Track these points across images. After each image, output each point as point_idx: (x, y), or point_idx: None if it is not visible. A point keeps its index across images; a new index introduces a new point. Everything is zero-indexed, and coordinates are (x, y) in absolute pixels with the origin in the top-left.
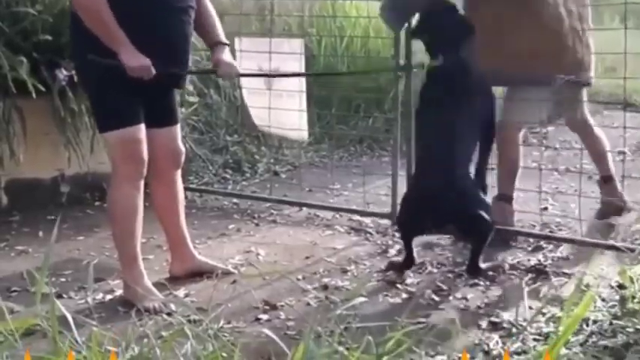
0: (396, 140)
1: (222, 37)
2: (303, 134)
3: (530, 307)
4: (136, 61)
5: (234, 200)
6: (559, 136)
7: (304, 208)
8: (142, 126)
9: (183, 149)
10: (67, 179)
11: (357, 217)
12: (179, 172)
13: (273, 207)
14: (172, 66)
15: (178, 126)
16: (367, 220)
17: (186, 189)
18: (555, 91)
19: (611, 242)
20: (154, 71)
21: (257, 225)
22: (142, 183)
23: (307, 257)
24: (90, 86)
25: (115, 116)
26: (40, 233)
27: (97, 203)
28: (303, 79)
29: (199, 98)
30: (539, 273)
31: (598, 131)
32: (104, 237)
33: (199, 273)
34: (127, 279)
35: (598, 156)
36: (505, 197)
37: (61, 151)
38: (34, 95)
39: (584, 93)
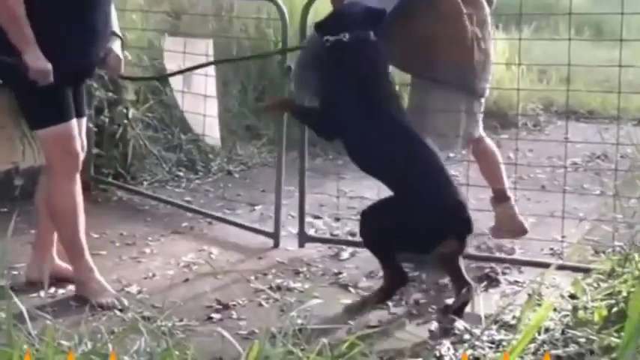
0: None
1: (116, 29)
2: (216, 141)
3: (486, 316)
4: (40, 63)
5: (187, 198)
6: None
7: (256, 208)
8: (75, 121)
9: (85, 143)
10: (21, 172)
11: (309, 219)
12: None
13: (226, 205)
14: (93, 53)
15: (84, 120)
16: (319, 222)
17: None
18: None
19: (562, 262)
20: (52, 78)
21: (210, 223)
22: (78, 176)
23: (260, 258)
24: (19, 81)
25: (51, 111)
26: None
27: None
28: (213, 84)
29: (154, 95)
30: (491, 280)
31: (492, 145)
32: None
33: (58, 277)
34: (79, 275)
35: (492, 172)
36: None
37: (16, 145)
38: None
39: (479, 105)
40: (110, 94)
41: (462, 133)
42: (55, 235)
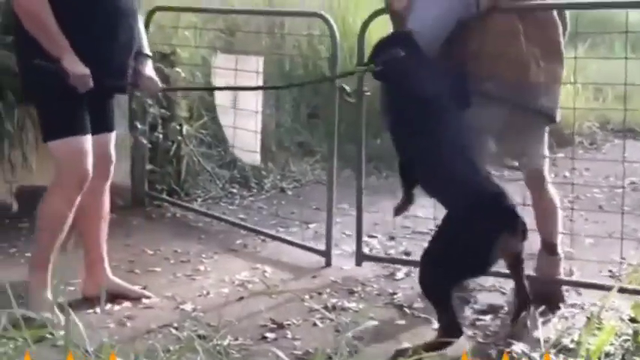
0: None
1: (146, 48)
2: (256, 157)
3: (546, 341)
4: (79, 69)
5: (241, 215)
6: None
7: (310, 226)
8: (89, 137)
9: (114, 158)
10: None
11: (365, 238)
12: (108, 185)
13: (279, 223)
14: (117, 70)
15: (114, 134)
16: (374, 241)
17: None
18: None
19: (621, 285)
20: (91, 83)
21: (263, 241)
22: (79, 198)
23: (314, 276)
24: (36, 92)
25: (62, 124)
26: None
27: None
28: (259, 100)
29: (208, 112)
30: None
31: (552, 190)
32: (112, 247)
33: (113, 295)
34: (31, 282)
35: (547, 221)
36: (548, 248)
37: None
38: None
39: (545, 133)
40: (164, 110)
41: (519, 152)
42: (105, 250)
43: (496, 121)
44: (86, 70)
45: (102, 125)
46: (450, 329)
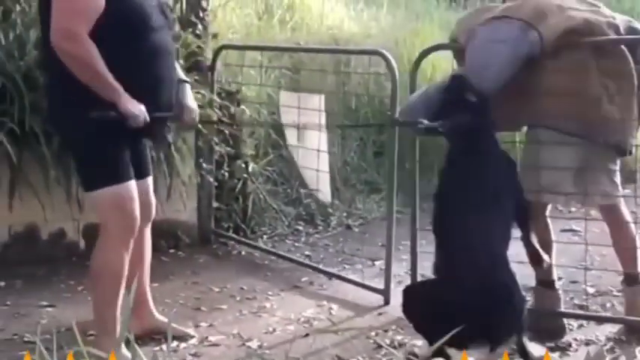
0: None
1: (182, 74)
2: (327, 196)
3: None
4: (136, 108)
5: (306, 252)
6: None
7: (376, 263)
8: (134, 182)
9: (154, 202)
10: None
11: (428, 274)
12: (149, 227)
13: (345, 260)
14: (165, 106)
15: (151, 178)
16: None
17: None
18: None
19: None
20: (147, 118)
21: (329, 279)
22: (132, 242)
23: (380, 314)
24: (77, 142)
25: (107, 172)
26: None
27: (171, 250)
28: (324, 138)
29: (274, 149)
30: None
31: (628, 216)
32: (179, 285)
33: (158, 333)
34: (103, 346)
35: (626, 251)
36: (545, 283)
37: None
38: None
39: (617, 163)
40: (229, 148)
41: (593, 190)
42: (148, 291)
43: (569, 159)
44: (142, 107)
45: (142, 171)
46: None
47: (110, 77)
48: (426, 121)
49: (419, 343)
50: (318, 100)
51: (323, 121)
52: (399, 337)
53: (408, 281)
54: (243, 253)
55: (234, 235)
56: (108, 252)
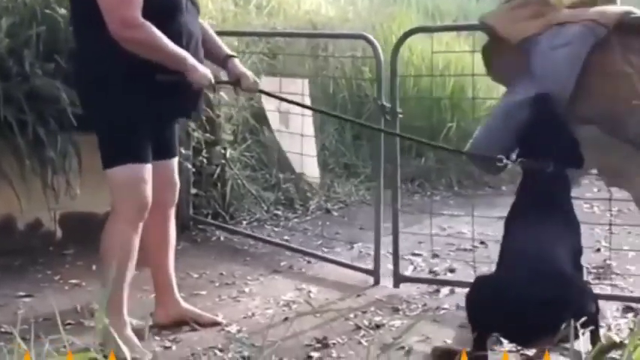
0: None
1: (227, 50)
2: (316, 179)
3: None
4: (205, 78)
5: (286, 237)
6: None
7: (355, 246)
8: (150, 166)
9: (179, 184)
10: None
11: (408, 257)
12: (173, 210)
13: (324, 244)
14: (194, 94)
15: (177, 159)
16: (418, 259)
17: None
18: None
19: None
20: (213, 80)
21: (309, 262)
22: (141, 225)
23: (359, 295)
24: (102, 119)
25: (124, 151)
26: (94, 267)
27: None
28: (310, 123)
29: (252, 135)
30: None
31: None
32: None
33: (184, 321)
34: (111, 325)
35: None
36: None
37: None
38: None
39: None
40: (207, 134)
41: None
42: (173, 278)
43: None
44: (210, 74)
45: (166, 151)
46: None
47: (177, 49)
48: (505, 159)
49: (397, 324)
50: (300, 85)
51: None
52: (377, 319)
53: (388, 263)
54: (222, 238)
55: (213, 221)
56: (115, 232)
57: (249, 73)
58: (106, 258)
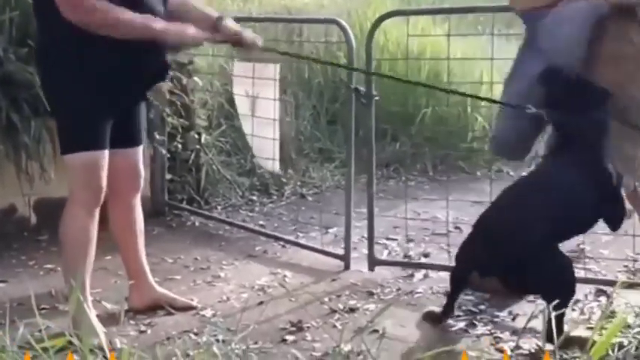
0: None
1: (214, 12)
2: (276, 164)
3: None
4: (181, 29)
5: (261, 222)
6: None
7: (330, 231)
8: (107, 152)
9: (143, 172)
10: None
11: (383, 241)
12: (139, 197)
13: (299, 229)
14: (158, 58)
15: (141, 147)
16: (393, 244)
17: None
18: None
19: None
20: (197, 35)
21: (283, 247)
22: (98, 211)
23: (333, 280)
24: (59, 105)
25: (82, 138)
26: None
27: None
28: (277, 108)
29: (227, 120)
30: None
31: None
32: None
33: (159, 305)
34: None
35: None
36: None
37: None
38: None
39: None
40: (182, 120)
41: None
42: (145, 262)
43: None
44: (191, 28)
45: (129, 139)
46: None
47: (145, 18)
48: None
49: (371, 308)
50: (273, 69)
51: (277, 90)
52: (352, 302)
53: (363, 247)
54: (197, 224)
55: (187, 207)
56: (72, 219)
57: (247, 31)
58: (64, 244)
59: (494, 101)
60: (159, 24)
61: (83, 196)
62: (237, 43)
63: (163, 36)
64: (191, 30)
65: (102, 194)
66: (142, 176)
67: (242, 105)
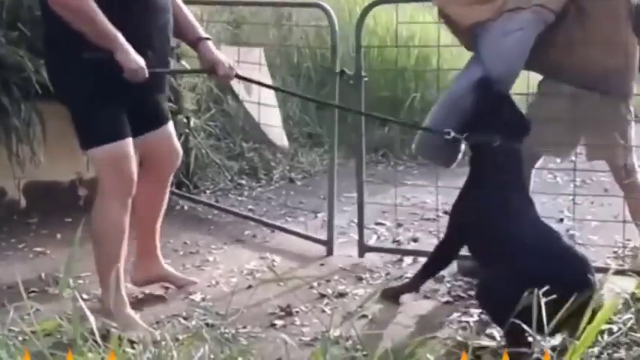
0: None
1: (204, 32)
2: (284, 138)
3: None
4: (133, 62)
5: (250, 206)
6: None
7: (319, 215)
8: (129, 140)
9: (180, 149)
10: (85, 183)
11: (372, 226)
12: (171, 177)
13: (288, 213)
14: (161, 63)
15: (171, 123)
16: (382, 229)
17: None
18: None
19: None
20: (146, 73)
21: (272, 231)
22: (130, 201)
23: (322, 264)
24: (74, 96)
25: (103, 130)
26: (58, 235)
27: None
28: (272, 93)
29: (215, 104)
30: None
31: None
32: None
33: (159, 281)
34: (109, 306)
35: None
36: None
37: (80, 155)
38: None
39: (626, 109)
40: (171, 104)
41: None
42: (158, 239)
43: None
44: (141, 61)
45: (154, 120)
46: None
47: (108, 25)
48: (452, 133)
49: (360, 293)
50: (258, 54)
51: (264, 74)
52: (340, 287)
53: (351, 232)
54: (186, 208)
55: (176, 191)
56: (105, 212)
57: (224, 58)
58: (98, 238)
59: (418, 127)
60: (120, 40)
61: (113, 187)
62: (210, 72)
63: (119, 53)
64: (139, 64)
65: (133, 184)
66: (180, 152)
67: (240, 90)
